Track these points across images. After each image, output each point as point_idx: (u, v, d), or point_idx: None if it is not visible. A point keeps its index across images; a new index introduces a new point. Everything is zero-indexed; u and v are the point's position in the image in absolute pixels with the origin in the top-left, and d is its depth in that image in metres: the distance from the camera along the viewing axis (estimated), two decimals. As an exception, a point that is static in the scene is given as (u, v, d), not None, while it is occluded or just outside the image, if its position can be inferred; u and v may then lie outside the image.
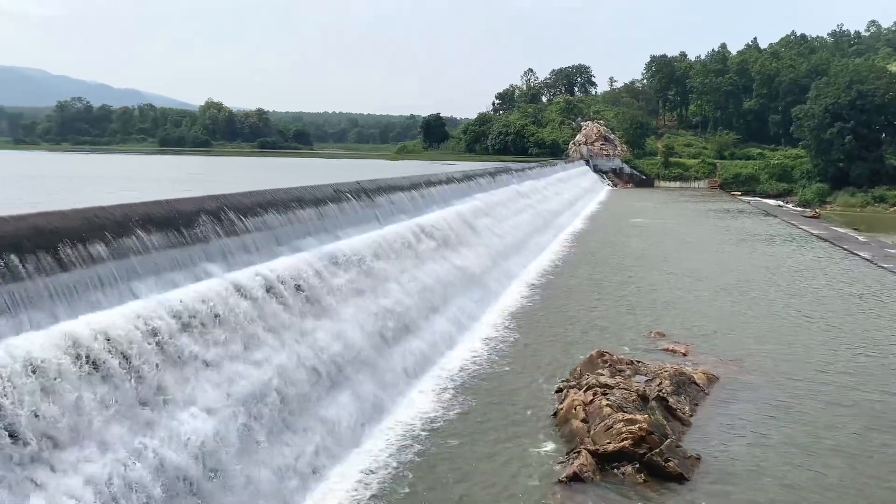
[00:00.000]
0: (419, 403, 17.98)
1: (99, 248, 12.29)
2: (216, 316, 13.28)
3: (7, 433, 8.53)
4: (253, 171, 61.02)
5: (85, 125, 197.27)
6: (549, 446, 15.67)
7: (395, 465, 14.49)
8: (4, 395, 8.65)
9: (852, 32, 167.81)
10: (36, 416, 8.93)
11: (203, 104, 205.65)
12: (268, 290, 15.39)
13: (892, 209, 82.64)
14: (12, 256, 10.63)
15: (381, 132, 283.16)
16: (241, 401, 12.56)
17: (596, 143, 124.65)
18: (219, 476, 11.20)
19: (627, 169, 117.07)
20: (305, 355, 15.25)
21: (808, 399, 18.85)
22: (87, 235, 12.26)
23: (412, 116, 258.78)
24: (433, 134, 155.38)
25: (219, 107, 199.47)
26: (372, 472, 14.11)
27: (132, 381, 10.66)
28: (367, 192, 26.64)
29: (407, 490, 13.47)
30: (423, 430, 16.32)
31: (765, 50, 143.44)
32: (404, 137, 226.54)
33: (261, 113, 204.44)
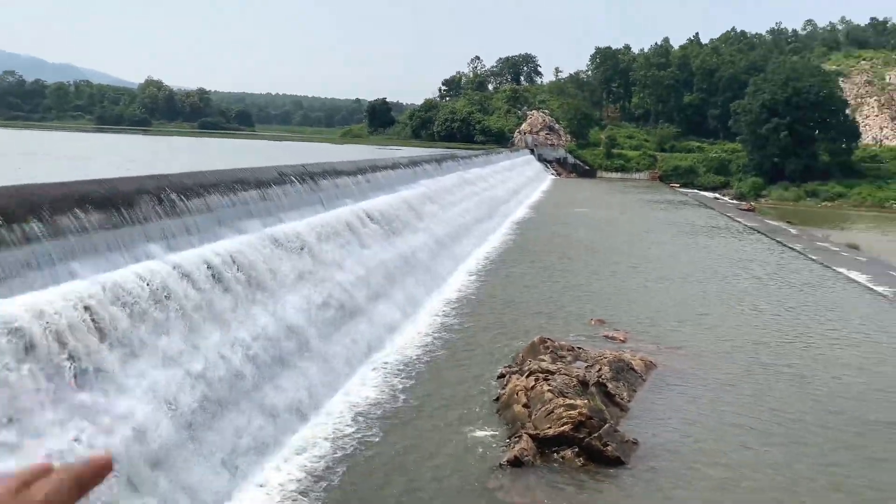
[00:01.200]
0: (362, 389, 17.99)
1: (35, 227, 11.94)
2: (155, 297, 13.05)
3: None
4: (194, 152, 59.79)
5: (16, 100, 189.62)
6: (491, 431, 15.86)
7: (333, 452, 14.46)
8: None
9: (790, 30, 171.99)
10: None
11: (142, 82, 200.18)
12: (209, 272, 15.17)
13: (822, 203, 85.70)
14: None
15: (326, 115, 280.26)
16: (180, 386, 12.39)
17: (541, 133, 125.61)
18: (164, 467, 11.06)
19: (571, 159, 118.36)
20: (245, 339, 15.09)
21: (742, 384, 19.49)
22: (22, 214, 11.89)
23: (358, 100, 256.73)
24: (379, 119, 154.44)
25: (159, 85, 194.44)
26: (309, 460, 14.06)
27: (68, 362, 10.43)
28: (311, 175, 26.39)
29: (345, 476, 13.48)
30: (366, 415, 16.34)
31: (706, 45, 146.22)
32: (350, 121, 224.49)
33: (202, 92, 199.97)
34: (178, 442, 11.72)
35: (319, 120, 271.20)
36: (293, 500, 12.55)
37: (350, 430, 15.47)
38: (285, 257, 18.90)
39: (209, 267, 15.25)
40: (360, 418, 16.12)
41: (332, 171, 28.71)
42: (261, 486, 12.83)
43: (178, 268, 14.24)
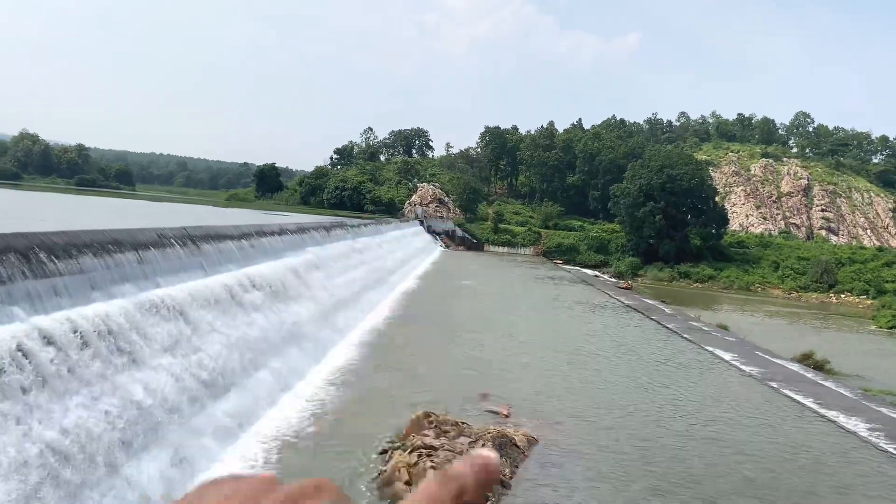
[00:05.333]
0: (236, 466, 17.09)
1: None
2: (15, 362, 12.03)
3: None
4: (65, 209, 56.89)
5: None
6: (372, 509, 15.35)
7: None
8: None
9: (665, 121, 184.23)
10: None
11: (16, 135, 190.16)
12: (77, 337, 14.18)
13: (694, 284, 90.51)
14: None
15: (211, 177, 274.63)
16: (37, 456, 11.36)
17: (430, 205, 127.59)
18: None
19: (459, 232, 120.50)
20: (113, 410, 14.11)
21: (623, 461, 19.79)
22: None
23: (245, 164, 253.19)
24: (267, 183, 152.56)
25: (34, 139, 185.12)
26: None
27: None
28: (192, 238, 25.51)
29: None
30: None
31: (588, 130, 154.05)
32: (236, 185, 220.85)
33: (81, 149, 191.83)
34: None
35: (203, 182, 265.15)
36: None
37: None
38: (159, 323, 17.97)
39: (75, 331, 14.27)
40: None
41: (216, 235, 27.87)
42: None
43: (42, 331, 13.24)
